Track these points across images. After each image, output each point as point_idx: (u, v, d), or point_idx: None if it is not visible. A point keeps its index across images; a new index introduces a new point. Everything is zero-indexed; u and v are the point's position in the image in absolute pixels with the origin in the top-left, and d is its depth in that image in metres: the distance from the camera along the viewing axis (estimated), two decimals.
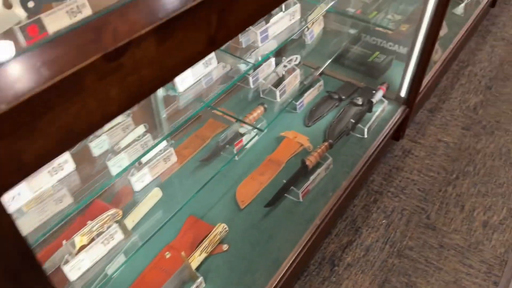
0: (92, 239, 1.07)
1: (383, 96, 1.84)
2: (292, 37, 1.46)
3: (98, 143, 1.12)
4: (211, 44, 0.51)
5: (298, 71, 1.60)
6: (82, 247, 1.05)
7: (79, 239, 1.05)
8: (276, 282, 1.27)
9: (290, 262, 1.32)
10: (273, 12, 1.37)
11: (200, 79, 1.26)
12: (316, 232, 1.39)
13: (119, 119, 1.18)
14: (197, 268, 1.28)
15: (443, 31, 2.33)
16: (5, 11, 0.67)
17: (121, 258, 1.09)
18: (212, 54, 1.28)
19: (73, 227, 1.17)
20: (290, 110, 1.82)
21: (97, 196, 1.06)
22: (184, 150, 1.56)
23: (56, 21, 0.70)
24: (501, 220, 1.69)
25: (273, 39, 1.38)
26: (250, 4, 0.53)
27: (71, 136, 0.40)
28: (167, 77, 0.48)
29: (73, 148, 1.04)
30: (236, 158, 1.60)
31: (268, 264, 1.32)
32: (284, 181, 1.48)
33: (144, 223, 1.24)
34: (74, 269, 1.02)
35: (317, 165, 1.56)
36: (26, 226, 0.91)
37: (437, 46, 2.10)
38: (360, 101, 1.80)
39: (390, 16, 2.18)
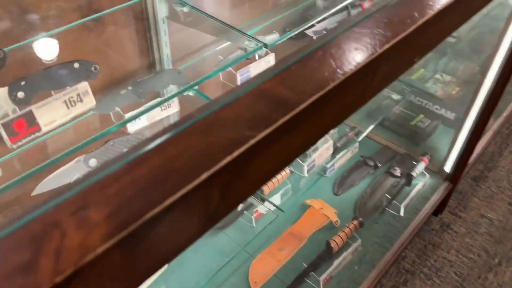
0: None
1: (425, 169, 1.65)
2: None
3: None
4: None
5: (331, 142, 1.44)
6: None
7: None
8: None
9: None
10: None
11: None
12: None
13: None
14: None
15: None
16: None
17: None
18: None
19: None
20: (319, 172, 1.66)
21: None
22: None
23: None
24: None
25: None
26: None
27: None
28: None
29: None
30: (254, 225, 1.45)
31: None
32: (305, 264, 1.32)
33: None
34: None
35: (344, 246, 1.39)
36: None
37: None
38: (398, 172, 1.62)
39: (438, 76, 1.98)
